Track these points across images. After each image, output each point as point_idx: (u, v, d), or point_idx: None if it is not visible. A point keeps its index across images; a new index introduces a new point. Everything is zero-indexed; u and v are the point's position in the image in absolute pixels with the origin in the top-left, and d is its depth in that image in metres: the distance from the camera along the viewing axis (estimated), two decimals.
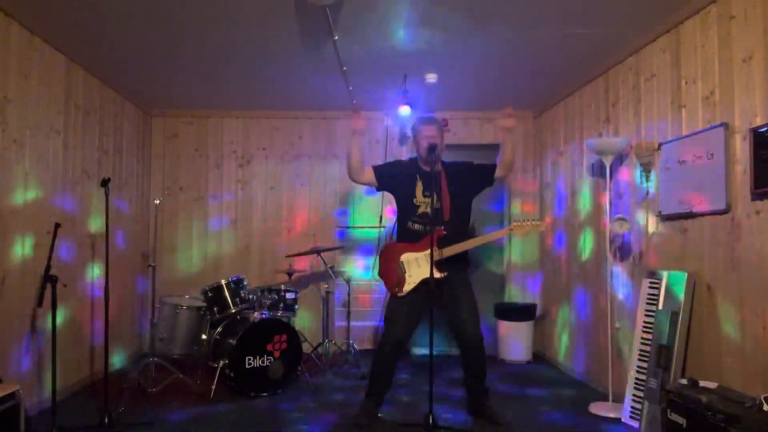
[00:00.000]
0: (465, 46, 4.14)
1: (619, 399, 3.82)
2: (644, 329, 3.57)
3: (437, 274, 3.45)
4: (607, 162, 4.01)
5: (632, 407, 3.58)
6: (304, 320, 5.77)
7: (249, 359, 4.19)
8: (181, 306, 4.55)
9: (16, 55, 3.56)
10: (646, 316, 3.57)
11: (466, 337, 3.60)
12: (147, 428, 3.53)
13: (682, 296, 3.29)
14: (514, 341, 5.55)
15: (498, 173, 3.71)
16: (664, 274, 3.49)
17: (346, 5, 3.42)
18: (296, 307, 4.84)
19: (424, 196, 3.62)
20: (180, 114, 6.01)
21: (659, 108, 3.72)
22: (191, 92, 5.38)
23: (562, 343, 5.26)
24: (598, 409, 3.90)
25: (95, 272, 4.59)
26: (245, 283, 4.70)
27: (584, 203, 4.80)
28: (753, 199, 2.86)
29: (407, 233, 3.67)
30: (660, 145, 3.65)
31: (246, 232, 6.01)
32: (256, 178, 6.05)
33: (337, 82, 4.92)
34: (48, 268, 3.48)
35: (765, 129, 2.78)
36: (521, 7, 3.47)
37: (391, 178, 3.75)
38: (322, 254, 5.21)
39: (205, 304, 4.55)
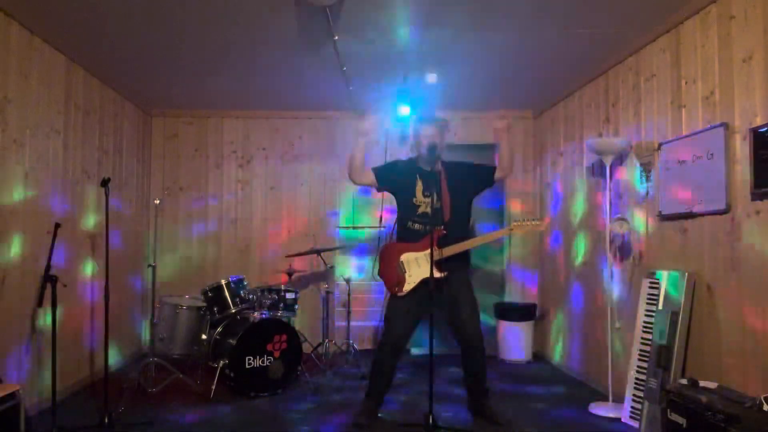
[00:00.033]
0: (465, 46, 4.14)
1: (619, 399, 3.82)
2: (644, 329, 3.57)
3: (437, 274, 3.45)
4: (607, 162, 4.01)
5: (632, 407, 3.58)
6: (304, 320, 5.77)
7: (249, 359, 4.19)
8: (181, 306, 4.55)
9: (16, 55, 3.56)
10: (646, 316, 3.57)
11: (466, 337, 3.61)
12: (147, 428, 3.53)
13: (682, 296, 3.29)
14: (514, 341, 5.55)
15: (498, 175, 3.72)
16: (664, 274, 3.49)
17: (346, 5, 3.41)
18: (296, 307, 4.83)
19: (424, 195, 3.62)
20: (180, 114, 6.01)
21: (659, 108, 3.72)
22: (191, 92, 5.38)
23: (562, 343, 5.26)
24: (598, 409, 3.90)
25: (95, 272, 4.59)
26: (245, 283, 4.70)
27: (584, 203, 4.80)
28: (753, 199, 2.86)
29: (407, 233, 3.67)
30: (660, 145, 3.65)
31: (246, 232, 6.01)
32: (256, 178, 6.05)
33: (337, 82, 4.92)
34: (48, 268, 3.48)
35: (765, 129, 2.78)
36: (521, 7, 3.47)
37: (391, 178, 3.75)
38: (321, 254, 5.21)
39: (205, 304, 4.55)
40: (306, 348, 4.78)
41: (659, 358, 3.32)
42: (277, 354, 4.32)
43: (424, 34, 3.90)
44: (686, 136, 3.40)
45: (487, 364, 3.71)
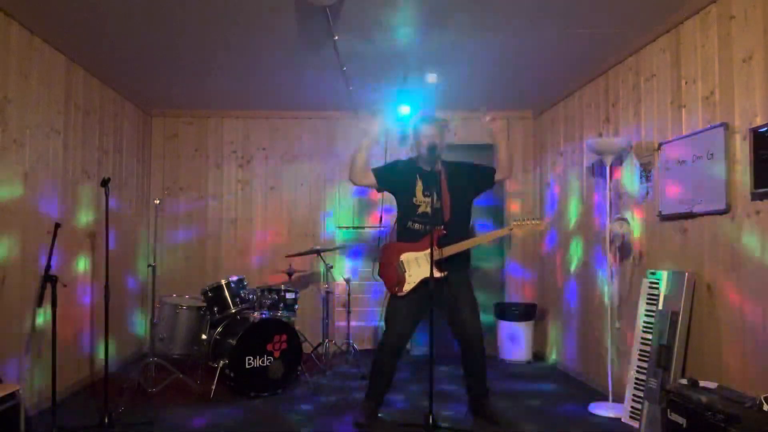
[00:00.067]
0: (465, 47, 4.14)
1: (619, 399, 3.82)
2: (644, 329, 3.57)
3: (437, 274, 3.45)
4: (607, 162, 4.01)
5: (632, 407, 3.58)
6: (304, 320, 5.76)
7: (249, 359, 4.19)
8: (181, 306, 4.55)
9: (16, 55, 3.56)
10: (646, 316, 3.58)
11: (467, 337, 3.61)
12: (147, 428, 3.53)
13: (682, 296, 3.29)
14: (514, 341, 5.55)
15: (498, 176, 3.72)
16: (664, 274, 3.49)
17: (346, 5, 3.41)
18: (296, 307, 4.83)
19: (424, 195, 3.62)
20: (180, 114, 6.01)
21: (659, 108, 3.72)
22: (191, 92, 5.38)
23: (562, 343, 5.26)
24: (597, 409, 3.90)
25: (95, 272, 4.59)
26: (245, 283, 4.70)
27: (584, 203, 4.80)
28: (753, 199, 2.86)
29: (407, 233, 3.67)
30: (660, 145, 3.65)
31: (246, 232, 6.01)
32: (256, 178, 6.05)
33: (337, 82, 4.92)
34: (48, 268, 3.48)
35: (765, 129, 2.78)
36: (521, 8, 3.47)
37: (391, 178, 3.75)
38: (322, 254, 5.21)
39: (205, 304, 4.55)
40: (306, 348, 4.77)
41: (659, 358, 3.32)
42: (277, 354, 4.32)
43: (424, 34, 3.90)
44: (686, 136, 3.40)
45: (487, 364, 3.71)
